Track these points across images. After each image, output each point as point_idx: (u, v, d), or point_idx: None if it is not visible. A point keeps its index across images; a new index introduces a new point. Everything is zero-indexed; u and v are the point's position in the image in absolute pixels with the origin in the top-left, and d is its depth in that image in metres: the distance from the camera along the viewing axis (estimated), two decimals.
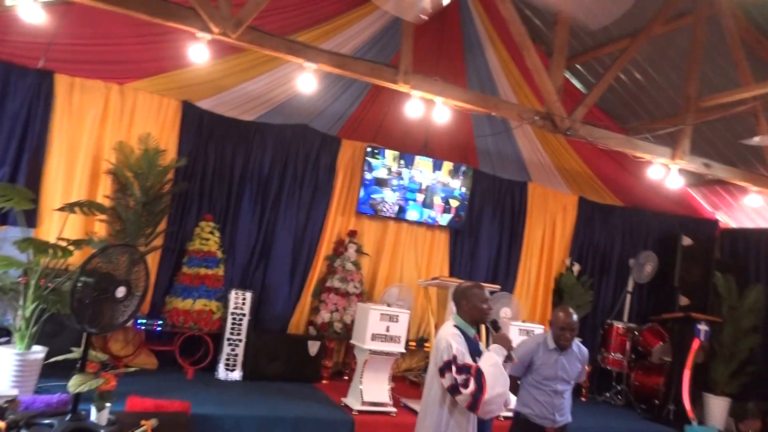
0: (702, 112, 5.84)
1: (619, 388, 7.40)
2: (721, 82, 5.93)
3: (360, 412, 4.93)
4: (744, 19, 5.47)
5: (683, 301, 7.72)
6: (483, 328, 4.56)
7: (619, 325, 7.59)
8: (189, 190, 5.85)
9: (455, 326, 3.30)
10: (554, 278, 7.83)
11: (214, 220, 5.87)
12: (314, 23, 5.43)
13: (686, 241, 7.98)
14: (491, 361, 3.02)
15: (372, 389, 5.05)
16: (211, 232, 5.80)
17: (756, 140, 4.73)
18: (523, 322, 6.21)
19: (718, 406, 6.91)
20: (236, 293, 5.70)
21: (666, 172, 5.47)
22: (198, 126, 5.89)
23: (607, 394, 7.38)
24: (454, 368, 2.96)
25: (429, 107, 4.72)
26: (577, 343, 3.98)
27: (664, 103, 6.82)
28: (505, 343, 3.15)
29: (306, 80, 4.37)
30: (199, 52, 4.12)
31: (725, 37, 5.28)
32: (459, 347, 3.05)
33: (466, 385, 2.93)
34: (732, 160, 6.55)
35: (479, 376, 2.95)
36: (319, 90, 6.14)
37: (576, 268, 7.84)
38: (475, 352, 3.26)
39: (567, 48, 6.65)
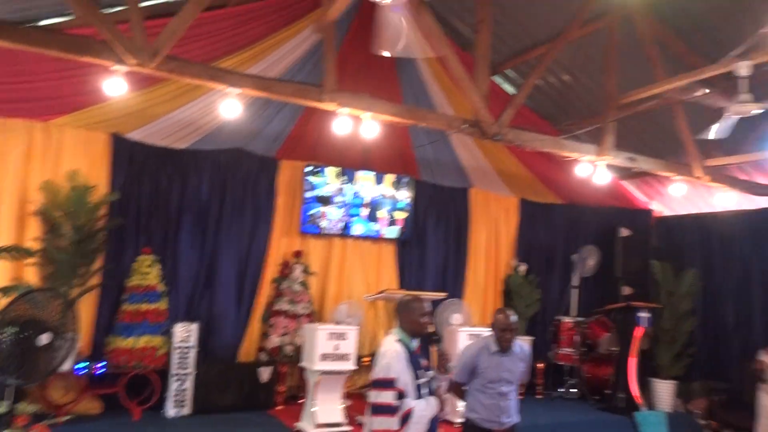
0: (625, 108, 6.10)
1: (572, 382, 7.57)
2: (643, 78, 6.21)
3: None
4: (655, 19, 5.75)
5: (626, 290, 7.99)
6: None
7: (567, 320, 7.79)
8: (125, 224, 5.69)
9: (398, 341, 3.32)
10: (502, 280, 7.98)
11: (153, 253, 5.72)
12: (240, 47, 5.38)
13: (624, 232, 8.27)
14: (421, 418, 3.02)
15: (325, 410, 5.02)
16: (150, 266, 5.65)
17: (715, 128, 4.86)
18: (473, 327, 6.28)
19: (664, 390, 7.16)
20: (181, 326, 5.57)
21: (593, 169, 5.67)
22: (129, 158, 5.75)
23: (561, 389, 7.54)
24: (389, 390, 2.99)
25: (359, 123, 4.75)
26: (518, 343, 4.04)
27: (591, 102, 7.08)
28: (442, 402, 3.17)
29: (230, 106, 4.34)
30: (116, 85, 4.03)
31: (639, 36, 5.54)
32: (402, 374, 3.07)
33: (390, 415, 2.95)
34: (660, 151, 6.83)
35: (405, 420, 2.98)
36: (253, 113, 6.14)
37: (522, 268, 8.02)
38: (416, 366, 3.28)
39: (491, 55, 6.86)
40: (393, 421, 2.94)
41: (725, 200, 6.66)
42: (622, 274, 8.13)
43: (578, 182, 8.06)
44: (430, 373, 3.37)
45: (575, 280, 8.37)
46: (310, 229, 6.59)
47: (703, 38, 5.63)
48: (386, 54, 3.98)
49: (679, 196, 8.45)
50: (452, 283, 7.53)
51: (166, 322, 5.61)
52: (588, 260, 8.26)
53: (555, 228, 8.51)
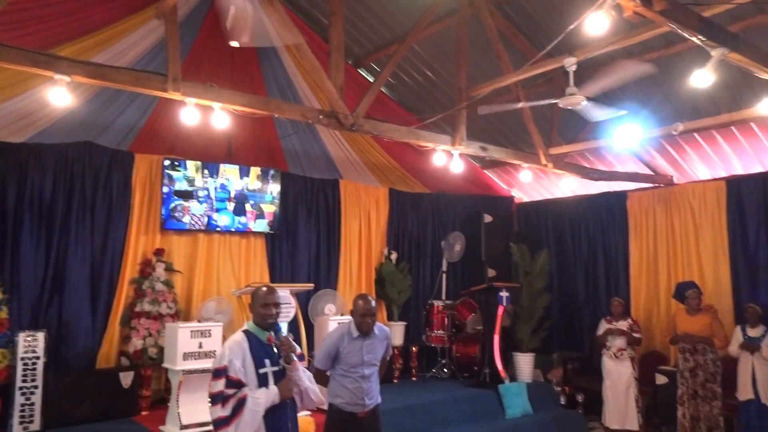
0: (480, 101, 6.48)
1: (443, 362, 7.94)
2: (495, 72, 6.63)
3: None
4: (501, 16, 6.16)
5: (491, 273, 8.51)
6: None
7: (438, 303, 8.15)
8: None
9: (245, 331, 3.30)
10: (375, 269, 8.16)
11: None
12: (81, 34, 5.03)
13: (487, 218, 8.80)
14: (256, 405, 3.04)
15: (191, 411, 4.86)
16: None
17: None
18: (342, 315, 6.37)
19: (525, 362, 7.73)
20: (25, 336, 5.11)
21: (449, 158, 5.98)
22: None
23: (434, 370, 7.88)
24: (223, 379, 2.99)
25: (208, 114, 4.63)
26: (380, 326, 4.16)
27: (450, 94, 7.45)
28: (287, 392, 3.17)
29: (58, 94, 4.02)
30: None
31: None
32: (235, 361, 3.07)
33: (219, 403, 2.97)
34: (513, 141, 7.36)
35: (239, 407, 2.99)
36: (101, 104, 5.77)
37: (394, 256, 8.26)
38: (267, 357, 3.26)
39: (356, 48, 7.00)
40: (224, 409, 2.95)
41: (570, 185, 7.30)
42: (487, 258, 8.65)
43: (444, 172, 8.47)
44: (279, 366, 3.34)
45: (444, 265, 8.77)
46: (171, 225, 6.32)
47: (542, 35, 6.13)
48: (235, 44, 3.93)
49: (531, 181, 9.16)
50: (326, 274, 7.58)
51: (7, 333, 5.12)
52: (455, 246, 8.69)
53: (424, 216, 8.86)
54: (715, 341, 6.43)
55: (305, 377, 3.35)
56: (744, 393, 6.19)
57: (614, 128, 5.82)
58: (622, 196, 8.41)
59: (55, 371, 5.42)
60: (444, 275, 8.73)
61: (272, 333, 3.34)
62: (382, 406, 5.82)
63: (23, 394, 5.02)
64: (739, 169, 7.35)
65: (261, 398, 3.03)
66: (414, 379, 7.74)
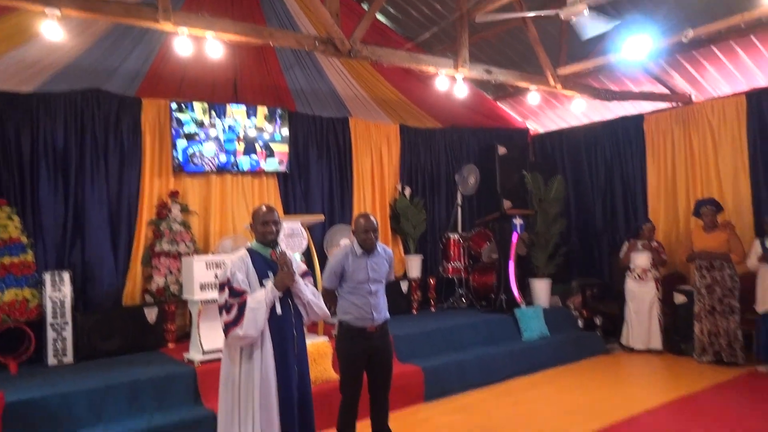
0: (485, 27, 6.31)
1: (461, 292, 8.05)
2: None
3: (202, 362, 4.94)
4: None
5: (506, 204, 8.49)
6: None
7: (454, 236, 8.19)
8: None
9: (247, 249, 3.42)
10: (389, 204, 8.22)
11: (9, 204, 5.40)
12: None
13: (501, 150, 8.72)
14: (256, 302, 3.16)
15: (211, 338, 5.05)
16: (9, 218, 5.34)
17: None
18: None
19: (541, 288, 7.78)
20: (52, 275, 5.37)
21: (452, 82, 5.89)
22: None
23: (452, 300, 8.01)
24: (227, 290, 3.14)
25: (201, 45, 4.62)
26: (381, 245, 4.24)
27: (452, 19, 7.24)
28: (281, 284, 3.27)
29: (50, 28, 4.06)
30: None
31: None
32: (237, 273, 3.20)
33: (229, 310, 3.10)
34: (519, 65, 7.17)
35: (242, 309, 3.12)
36: (106, 48, 5.83)
37: (407, 191, 8.29)
38: (268, 269, 3.38)
39: None
40: (229, 315, 3.11)
41: (580, 107, 7.15)
42: (502, 190, 8.62)
43: (456, 106, 8.38)
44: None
45: (459, 199, 8.77)
46: (183, 167, 6.44)
47: None
48: None
49: (545, 111, 9.04)
50: (339, 211, 7.67)
51: (35, 273, 5.39)
52: (469, 179, 8.66)
53: (437, 151, 8.82)
54: (732, 257, 6.38)
55: (308, 291, 3.46)
56: (763, 304, 6.16)
57: (623, 43, 5.64)
58: (638, 119, 8.23)
59: (84, 309, 5.70)
60: (459, 208, 8.74)
61: (275, 249, 3.45)
62: (400, 332, 6.05)
63: (54, 330, 5.31)
64: (761, 81, 7.09)
65: (259, 296, 3.17)
66: (433, 309, 7.87)
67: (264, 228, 3.37)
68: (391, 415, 4.38)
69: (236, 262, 3.27)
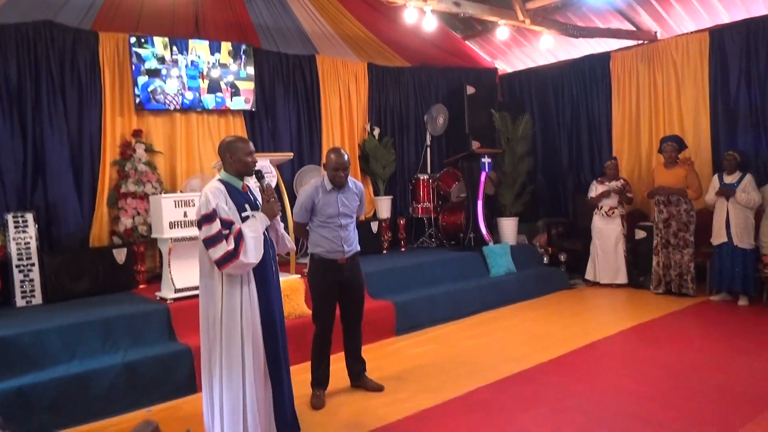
0: None
1: (430, 231, 8.17)
2: None
3: (174, 299, 4.96)
4: None
5: (475, 144, 8.52)
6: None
7: (423, 176, 8.24)
8: None
9: (220, 180, 3.37)
10: (358, 145, 8.18)
11: None
12: None
13: (470, 90, 8.68)
14: (254, 230, 3.13)
15: (182, 276, 5.06)
16: None
17: None
18: None
19: (508, 227, 7.97)
20: (14, 217, 5.25)
21: (421, 15, 5.79)
22: None
23: (422, 239, 8.14)
24: (216, 220, 3.06)
25: None
26: (352, 179, 4.25)
27: None
28: (271, 212, 3.27)
29: None
30: None
31: None
32: (220, 203, 3.14)
33: (222, 240, 3.04)
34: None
35: (239, 238, 3.09)
36: None
37: (376, 131, 8.25)
38: (246, 202, 3.38)
39: None
40: (225, 244, 3.05)
41: (548, 43, 7.12)
42: (470, 130, 8.63)
43: (425, 44, 8.26)
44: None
45: (428, 139, 8.78)
46: (146, 105, 6.25)
47: None
48: None
49: (513, 50, 9.00)
50: (308, 151, 7.62)
51: None
52: (438, 119, 8.65)
53: (405, 90, 8.75)
54: (689, 192, 6.60)
55: (281, 225, 3.51)
56: (718, 237, 6.44)
57: None
58: (605, 57, 8.27)
59: (50, 250, 5.60)
60: (428, 149, 8.76)
61: (252, 180, 3.45)
62: (370, 270, 6.14)
63: (21, 271, 5.23)
64: (724, 18, 7.16)
65: (253, 224, 3.14)
66: (403, 249, 7.98)
67: (250, 158, 3.31)
68: (363, 348, 4.53)
69: (215, 192, 3.16)
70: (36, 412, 3.79)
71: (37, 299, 5.27)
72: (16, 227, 5.23)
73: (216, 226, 3.09)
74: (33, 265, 5.28)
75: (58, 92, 5.74)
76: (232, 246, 3.06)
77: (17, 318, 4.65)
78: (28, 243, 5.28)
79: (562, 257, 8.09)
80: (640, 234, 7.47)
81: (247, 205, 3.36)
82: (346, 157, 4.08)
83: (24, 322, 4.45)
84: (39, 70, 5.63)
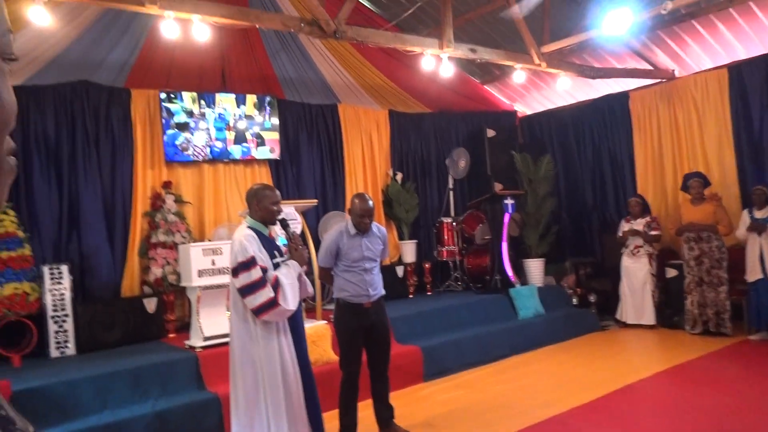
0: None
1: (456, 275, 8.14)
2: None
3: (203, 347, 5.00)
4: None
5: (497, 186, 8.57)
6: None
7: (447, 220, 8.28)
8: None
9: (249, 227, 3.47)
10: (381, 190, 8.29)
11: None
12: None
13: (490, 132, 8.80)
14: (290, 278, 3.21)
15: (211, 323, 5.11)
16: (4, 212, 5.36)
17: (509, 12, 5.24)
18: None
19: (535, 268, 7.90)
20: (50, 269, 5.41)
21: (438, 62, 5.95)
22: None
23: (447, 283, 8.10)
24: (253, 269, 3.12)
25: (188, 29, 4.64)
26: (376, 225, 4.31)
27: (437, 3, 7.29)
28: (301, 260, 3.36)
29: (38, 14, 4.07)
30: None
31: None
32: (256, 251, 3.22)
33: (261, 288, 3.11)
34: (503, 45, 7.24)
35: (277, 286, 3.16)
36: (93, 40, 5.85)
37: (399, 176, 8.36)
38: (273, 248, 3.47)
39: None
40: (266, 291, 3.11)
41: (565, 85, 7.22)
42: (492, 172, 8.70)
43: (444, 90, 8.44)
44: (287, 257, 3.58)
45: (450, 183, 8.85)
46: (175, 157, 6.46)
47: None
48: None
49: (531, 92, 9.13)
50: (332, 197, 7.73)
51: (32, 267, 5.41)
52: (459, 162, 8.74)
53: (426, 136, 8.89)
54: (719, 228, 6.50)
55: (302, 272, 3.60)
56: (753, 274, 6.30)
57: (604, 18, 5.72)
58: (623, 97, 8.33)
59: (83, 301, 5.73)
60: (451, 192, 8.82)
61: (277, 227, 3.55)
62: (397, 314, 6.13)
63: (56, 322, 5.35)
64: (742, 54, 7.20)
65: (290, 271, 3.21)
66: (429, 293, 7.95)
67: (276, 207, 3.45)
68: (391, 394, 4.48)
69: (250, 240, 3.24)
70: None
71: (71, 350, 5.37)
72: (51, 279, 5.38)
73: (256, 273, 3.16)
74: (67, 316, 5.40)
75: (92, 146, 6.00)
76: (271, 295, 3.12)
77: (51, 368, 4.73)
78: (63, 294, 5.42)
79: (592, 298, 7.95)
80: (671, 273, 7.33)
81: (276, 252, 3.45)
82: (371, 203, 4.15)
83: (58, 372, 4.52)
84: (75, 126, 5.91)
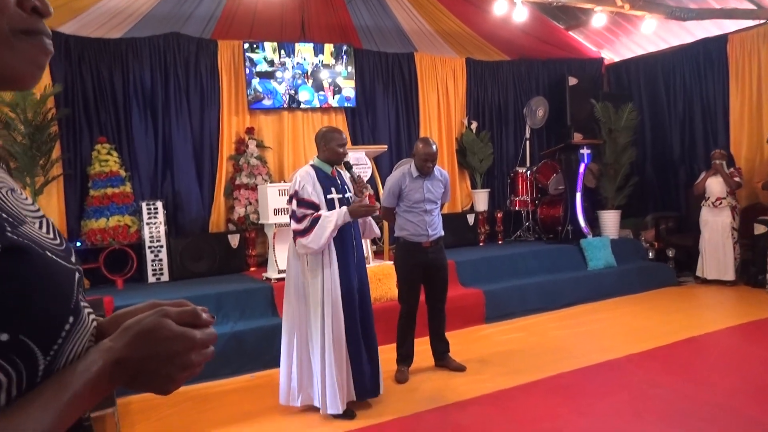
0: None
1: (528, 225, 8.12)
2: None
3: (278, 279, 5.44)
4: None
5: (577, 137, 8.35)
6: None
7: (522, 170, 8.22)
8: (75, 116, 5.99)
9: (312, 165, 3.77)
10: (455, 139, 8.33)
11: (108, 141, 6.06)
12: None
13: (572, 81, 8.52)
14: (327, 220, 3.46)
15: (285, 258, 5.50)
16: (109, 153, 6.01)
17: None
18: None
19: (610, 220, 7.72)
20: (147, 205, 6.03)
21: (511, 6, 5.82)
22: (65, 52, 5.93)
23: (519, 232, 8.11)
24: (295, 201, 3.49)
25: None
26: (439, 168, 4.45)
27: None
28: (356, 213, 3.54)
29: None
30: None
31: None
32: (306, 186, 3.55)
33: (300, 220, 3.45)
34: None
35: (314, 223, 3.45)
36: None
37: (474, 125, 8.34)
38: (332, 186, 3.75)
39: None
40: (301, 224, 3.45)
41: (650, 27, 6.82)
42: (572, 122, 8.47)
43: (525, 37, 8.22)
44: (349, 195, 3.85)
45: (527, 132, 8.71)
46: (258, 105, 6.86)
47: None
48: None
49: (620, 38, 8.66)
50: (406, 145, 7.88)
51: (133, 203, 6.06)
52: (537, 111, 8.56)
53: (504, 84, 8.74)
54: None
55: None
56: None
57: None
58: (721, 40, 7.74)
59: (176, 235, 6.36)
60: (527, 142, 8.69)
61: (342, 167, 3.82)
62: (462, 259, 6.30)
63: (152, 252, 6.00)
64: None
65: (332, 216, 3.49)
66: (500, 242, 8.01)
67: (341, 149, 3.73)
68: (451, 334, 4.72)
69: (303, 175, 3.62)
70: None
71: (165, 277, 6.02)
72: (148, 214, 6.01)
73: (294, 205, 3.55)
74: (162, 247, 6.04)
75: (183, 95, 6.51)
76: (302, 227, 3.48)
77: (147, 291, 5.39)
78: (158, 228, 6.05)
79: (670, 253, 7.69)
80: (759, 229, 6.92)
81: (333, 189, 3.73)
82: (434, 147, 4.29)
83: (152, 294, 5.17)
84: (168, 75, 6.42)
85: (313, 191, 3.55)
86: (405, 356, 4.43)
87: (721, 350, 4.72)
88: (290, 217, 3.57)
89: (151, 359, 0.66)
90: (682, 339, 4.98)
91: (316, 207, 3.54)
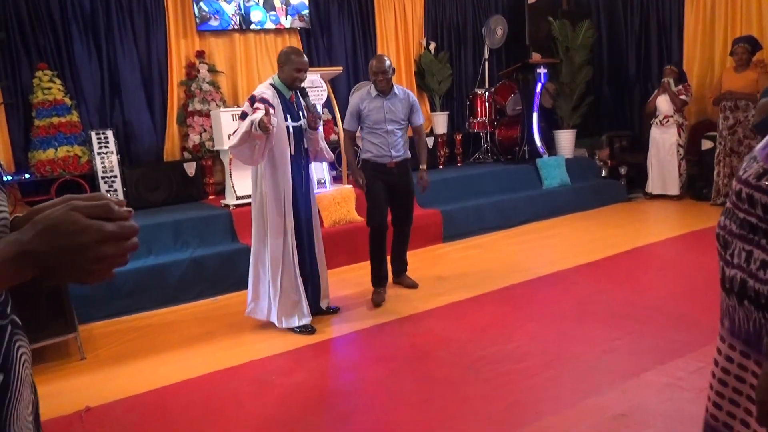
0: None
1: (486, 147, 8.20)
2: None
3: (236, 206, 5.45)
4: None
5: (535, 57, 8.32)
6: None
7: (480, 91, 8.20)
8: (11, 41, 5.66)
9: (271, 84, 3.74)
10: (414, 60, 8.21)
11: (50, 68, 5.78)
12: None
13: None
14: (248, 120, 3.44)
15: (243, 184, 5.51)
16: (51, 80, 5.74)
17: None
18: None
19: (565, 139, 7.86)
20: (97, 134, 5.85)
21: None
22: None
23: (477, 155, 8.20)
24: (248, 103, 3.55)
25: None
26: (402, 88, 4.41)
27: None
28: (263, 125, 3.43)
29: None
30: None
31: None
32: (266, 92, 3.58)
33: (242, 118, 3.57)
34: None
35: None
36: None
37: (432, 46, 8.21)
38: (287, 111, 3.73)
39: None
40: (243, 123, 3.48)
41: None
42: (531, 41, 8.40)
43: None
44: (302, 122, 3.84)
45: (486, 53, 8.63)
46: (206, 26, 6.58)
47: None
48: None
49: None
50: (363, 67, 7.72)
51: (82, 132, 5.88)
52: (496, 30, 8.45)
53: (462, 3, 8.55)
54: (759, 97, 6.23)
55: (322, 140, 3.96)
56: None
57: None
58: None
59: (129, 164, 6.23)
60: (486, 63, 8.63)
61: (296, 94, 3.78)
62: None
63: (106, 182, 5.89)
64: None
65: (254, 116, 3.45)
66: (459, 164, 8.10)
67: (297, 74, 3.72)
68: (410, 253, 4.84)
69: (265, 90, 3.64)
70: (120, 297, 4.44)
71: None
72: (99, 144, 5.85)
73: (245, 106, 3.60)
74: (116, 176, 5.93)
75: (126, 16, 6.19)
76: (238, 127, 3.53)
77: None
78: (111, 157, 5.90)
79: (622, 170, 7.93)
80: (706, 144, 7.18)
81: (288, 116, 3.72)
82: (387, 62, 4.23)
83: None
84: None
85: (271, 101, 3.57)
86: (380, 278, 4.43)
87: (662, 259, 5.02)
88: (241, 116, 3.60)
89: (61, 251, 0.67)
90: (626, 250, 5.25)
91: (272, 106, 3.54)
